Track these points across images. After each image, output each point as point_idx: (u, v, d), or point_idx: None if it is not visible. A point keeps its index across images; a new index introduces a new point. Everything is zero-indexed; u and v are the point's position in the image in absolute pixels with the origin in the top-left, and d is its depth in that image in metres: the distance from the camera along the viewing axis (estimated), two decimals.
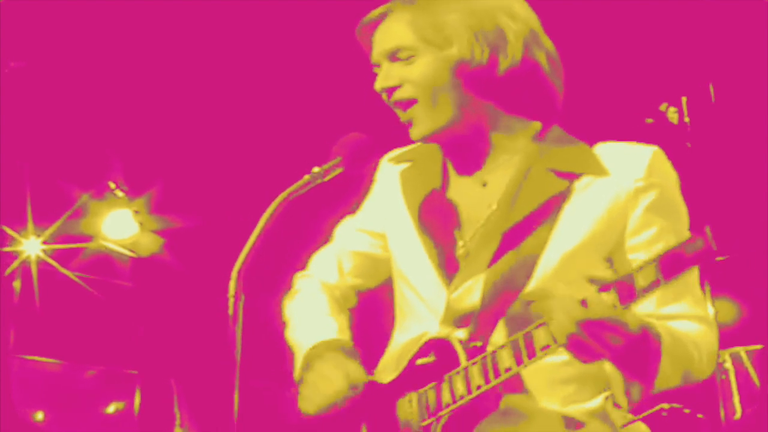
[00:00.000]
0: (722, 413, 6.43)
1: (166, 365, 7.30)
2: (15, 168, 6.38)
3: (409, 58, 2.13)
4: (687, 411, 4.33)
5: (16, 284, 6.74)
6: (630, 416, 2.16)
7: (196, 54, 5.75)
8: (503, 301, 1.95)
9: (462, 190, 2.23)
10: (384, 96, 2.18)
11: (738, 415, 6.16)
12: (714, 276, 6.92)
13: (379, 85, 2.17)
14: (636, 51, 5.46)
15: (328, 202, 2.53)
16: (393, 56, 2.15)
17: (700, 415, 4.42)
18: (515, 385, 2.03)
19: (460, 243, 2.17)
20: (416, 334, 2.18)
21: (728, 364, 6.73)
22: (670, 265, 1.74)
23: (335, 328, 2.35)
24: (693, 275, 2.07)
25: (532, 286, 2.02)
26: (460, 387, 2.02)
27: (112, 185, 6.70)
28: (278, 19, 5.49)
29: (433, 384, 2.08)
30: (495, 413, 2.03)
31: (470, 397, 1.99)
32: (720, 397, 6.56)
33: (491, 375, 1.95)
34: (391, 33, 2.15)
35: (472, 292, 2.08)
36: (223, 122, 6.31)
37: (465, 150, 2.22)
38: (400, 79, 2.14)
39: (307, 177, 2.09)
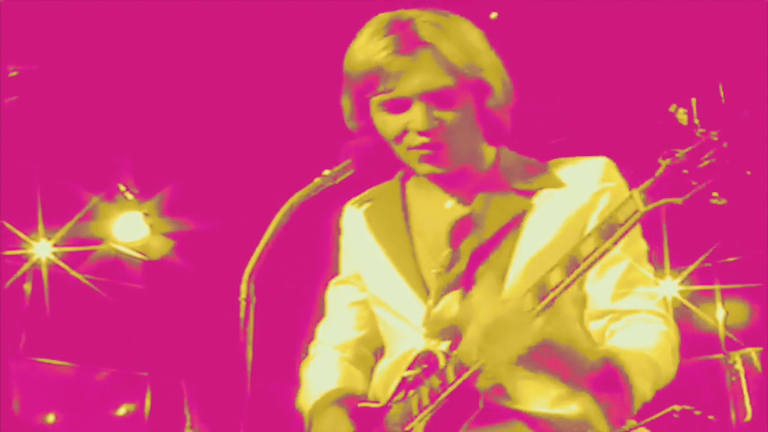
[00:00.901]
0: (733, 415, 6.43)
1: (176, 367, 7.31)
2: (25, 170, 6.40)
3: (449, 99, 2.12)
4: (698, 413, 4.32)
5: (27, 287, 6.76)
6: (633, 422, 2.18)
7: (206, 56, 5.76)
8: None
9: (429, 215, 2.28)
10: (396, 132, 2.16)
11: (748, 416, 6.15)
12: (725, 277, 6.92)
13: (425, 125, 2.11)
14: (646, 53, 5.45)
15: (339, 205, 2.54)
16: (431, 97, 2.11)
17: (711, 417, 4.42)
18: (497, 391, 2.07)
19: (434, 263, 2.21)
20: (403, 352, 2.22)
21: (739, 366, 6.73)
22: (607, 232, 1.82)
23: (337, 377, 2.38)
24: (646, 273, 2.15)
25: (505, 294, 2.07)
26: (437, 388, 2.06)
27: (123, 188, 6.72)
28: (290, 23, 5.50)
29: (415, 390, 2.12)
30: (480, 420, 2.05)
31: (445, 394, 2.03)
32: (731, 399, 6.56)
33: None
34: (434, 74, 2.10)
35: (451, 305, 2.11)
36: (233, 125, 6.32)
37: (451, 178, 2.26)
38: (439, 123, 2.12)
39: (317, 180, 2.09)
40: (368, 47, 2.13)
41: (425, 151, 2.15)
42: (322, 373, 2.42)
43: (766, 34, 4.71)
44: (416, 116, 2.11)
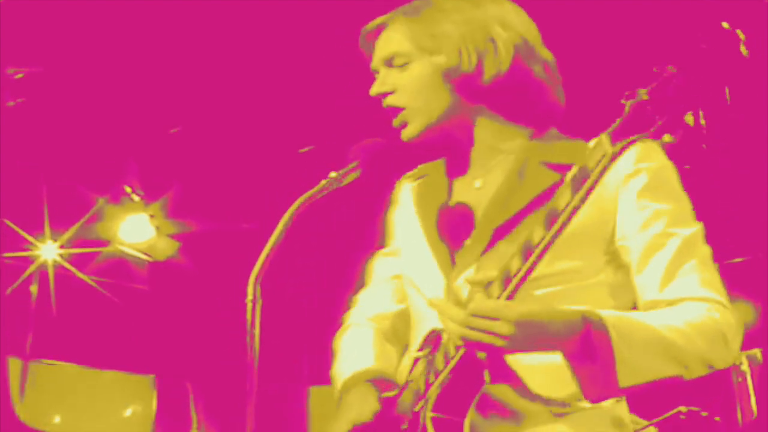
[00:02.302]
0: (739, 416, 6.41)
1: (182, 368, 7.32)
2: (31, 172, 6.41)
3: (403, 64, 2.22)
4: (705, 414, 4.32)
5: (33, 289, 6.78)
6: (643, 421, 2.14)
7: (211, 58, 5.76)
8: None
9: (461, 195, 2.26)
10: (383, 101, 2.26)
11: (754, 416, 6.14)
12: (731, 278, 6.92)
13: (374, 90, 2.25)
14: (653, 53, 5.45)
15: (345, 207, 2.54)
16: (390, 63, 2.24)
17: (717, 418, 4.41)
18: (510, 378, 2.02)
19: (459, 244, 2.18)
20: (424, 333, 2.19)
21: (745, 367, 6.71)
22: (579, 181, 1.76)
23: (372, 356, 2.36)
24: (701, 257, 2.02)
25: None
26: (440, 364, 2.02)
27: (129, 189, 6.73)
28: (294, 27, 5.50)
29: (423, 370, 2.09)
30: (494, 413, 2.01)
31: (448, 368, 1.98)
32: (737, 400, 6.55)
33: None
34: (390, 41, 2.25)
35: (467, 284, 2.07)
36: (239, 126, 6.32)
37: (458, 153, 2.27)
38: (394, 86, 2.22)
39: (324, 182, 2.09)
40: (363, 31, 2.32)
41: (395, 119, 2.23)
42: (358, 347, 2.40)
43: (766, 34, 4.70)
44: (375, 82, 2.26)
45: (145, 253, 7.04)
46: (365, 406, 2.20)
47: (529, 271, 1.82)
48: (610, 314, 1.87)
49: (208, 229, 6.66)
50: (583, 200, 1.76)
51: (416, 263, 2.27)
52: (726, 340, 1.95)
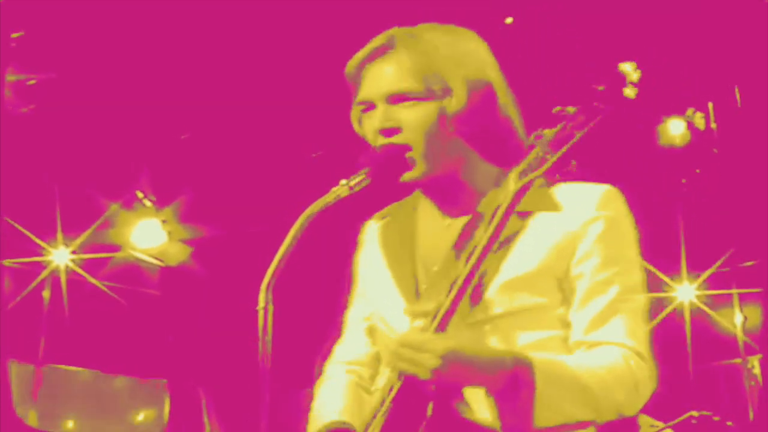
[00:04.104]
0: (752, 419, 6.40)
1: (194, 374, 7.33)
2: (44, 178, 6.44)
3: (411, 102, 2.13)
4: (716, 419, 4.32)
5: (45, 294, 6.81)
6: (660, 424, 2.14)
7: (223, 63, 5.78)
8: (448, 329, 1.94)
9: (430, 233, 2.25)
10: (374, 138, 2.16)
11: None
12: (740, 281, 6.90)
13: (378, 124, 2.14)
14: (662, 56, 5.45)
15: (355, 214, 2.54)
16: (394, 99, 2.15)
17: (729, 423, 4.41)
18: (458, 396, 2.01)
19: (423, 283, 2.19)
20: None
21: (757, 370, 6.72)
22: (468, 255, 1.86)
23: (341, 407, 2.33)
24: (633, 308, 2.07)
25: (478, 315, 2.05)
26: (386, 395, 2.02)
27: (141, 195, 6.75)
28: (307, 32, 5.52)
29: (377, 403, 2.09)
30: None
31: (389, 398, 1.99)
32: (750, 403, 6.55)
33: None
34: (396, 76, 2.15)
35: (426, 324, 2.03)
36: (252, 132, 6.34)
37: (442, 194, 2.24)
38: (398, 123, 2.13)
39: (334, 189, 2.09)
40: (354, 57, 2.22)
41: (397, 158, 2.14)
42: (330, 399, 2.39)
43: (766, 34, 4.69)
44: (376, 115, 2.15)
45: (158, 258, 7.06)
46: None
47: (454, 303, 1.88)
48: (538, 357, 1.92)
49: (220, 234, 6.68)
50: (494, 236, 1.88)
51: (384, 301, 2.26)
52: (637, 389, 2.01)
